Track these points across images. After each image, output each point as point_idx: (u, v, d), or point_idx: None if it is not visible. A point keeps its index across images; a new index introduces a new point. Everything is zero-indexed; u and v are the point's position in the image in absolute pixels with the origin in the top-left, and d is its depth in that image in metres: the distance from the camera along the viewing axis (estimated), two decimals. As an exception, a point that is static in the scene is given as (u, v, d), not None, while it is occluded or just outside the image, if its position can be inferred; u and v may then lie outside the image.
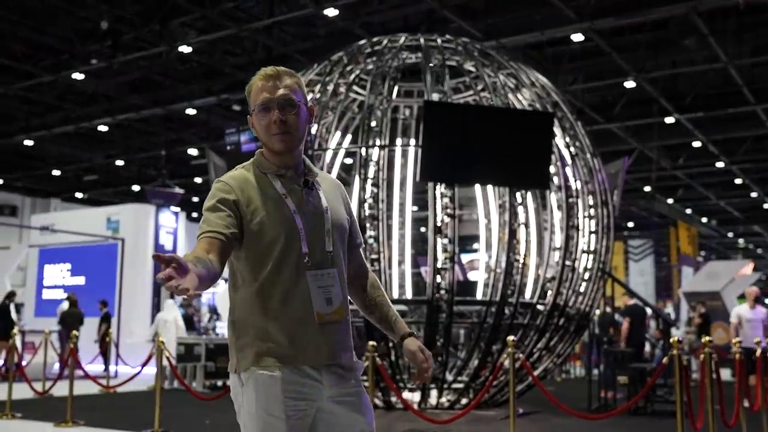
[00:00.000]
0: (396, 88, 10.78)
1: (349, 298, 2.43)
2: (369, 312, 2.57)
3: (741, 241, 39.96)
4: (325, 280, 2.30)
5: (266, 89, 2.33)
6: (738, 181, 24.81)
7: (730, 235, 37.38)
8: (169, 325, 13.58)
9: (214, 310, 18.30)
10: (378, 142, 9.58)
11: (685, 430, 5.62)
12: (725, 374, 10.10)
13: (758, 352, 8.65)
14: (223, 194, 2.30)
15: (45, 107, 19.43)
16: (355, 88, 10.53)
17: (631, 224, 32.68)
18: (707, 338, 6.17)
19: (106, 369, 14.44)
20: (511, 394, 6.28)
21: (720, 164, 22.43)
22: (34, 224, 22.12)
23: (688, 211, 30.47)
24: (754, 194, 26.88)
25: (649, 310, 13.43)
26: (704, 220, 32.62)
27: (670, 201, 28.04)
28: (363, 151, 9.51)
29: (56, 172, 25.59)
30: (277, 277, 2.28)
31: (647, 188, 25.08)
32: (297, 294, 2.28)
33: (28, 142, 21.29)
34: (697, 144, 20.60)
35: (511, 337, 6.51)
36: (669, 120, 18.20)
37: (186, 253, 2.07)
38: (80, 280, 19.99)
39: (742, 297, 18.97)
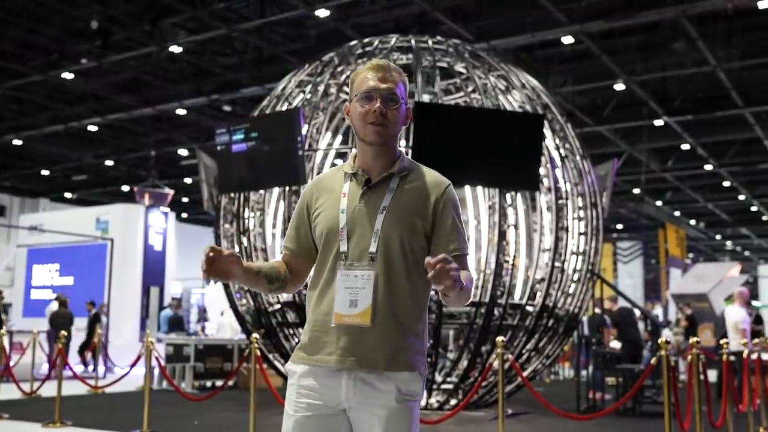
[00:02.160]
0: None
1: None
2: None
3: (729, 243, 40.17)
4: (355, 281, 2.23)
5: (373, 79, 2.32)
6: (726, 183, 24.96)
7: (718, 237, 37.59)
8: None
9: (203, 311, 18.26)
10: (368, 143, 9.58)
11: (673, 430, 5.65)
12: (712, 376, 10.17)
13: (745, 353, 8.71)
14: (301, 200, 2.45)
15: (34, 106, 19.37)
16: (345, 89, 10.52)
17: (620, 226, 32.81)
18: (695, 339, 6.20)
19: (95, 369, 14.38)
20: (500, 395, 6.30)
21: (708, 167, 22.57)
22: (23, 224, 22.03)
23: (677, 213, 30.63)
24: (741, 197, 27.05)
25: (637, 312, 13.48)
26: (692, 222, 32.80)
27: (658, 203, 28.18)
28: (353, 151, 9.52)
29: (45, 172, 25.51)
30: (319, 273, 2.33)
31: (636, 190, 25.19)
32: (330, 292, 2.27)
33: (17, 142, 21.22)
34: (685, 147, 20.73)
35: (500, 338, 6.52)
36: (658, 123, 18.30)
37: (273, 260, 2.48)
38: (69, 281, 19.91)
39: (728, 299, 19.07)
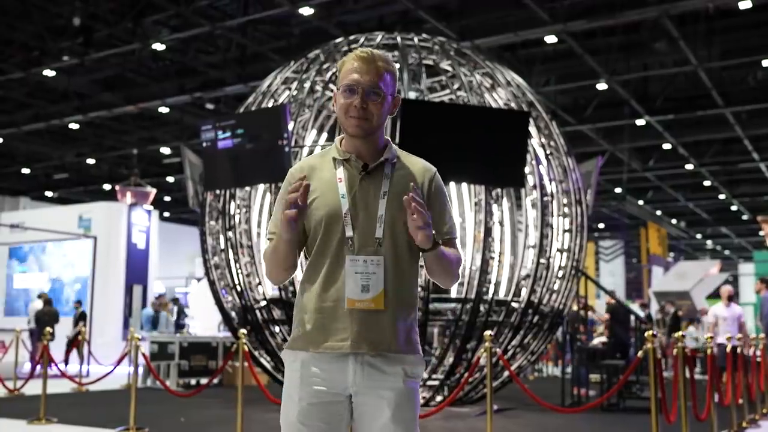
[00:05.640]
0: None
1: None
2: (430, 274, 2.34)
3: (709, 242, 40.51)
4: (366, 267, 2.23)
5: (357, 71, 2.29)
6: (707, 183, 25.18)
7: (699, 236, 37.90)
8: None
9: (181, 310, 18.10)
10: (354, 140, 9.58)
11: (660, 424, 5.71)
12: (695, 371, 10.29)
13: (728, 348, 8.81)
14: (287, 185, 2.34)
15: (15, 104, 19.20)
16: (331, 86, 10.53)
17: (602, 225, 33.02)
18: (680, 333, 6.27)
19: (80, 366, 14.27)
20: (488, 388, 6.34)
21: (689, 166, 22.76)
22: (4, 222, 21.83)
23: (658, 212, 30.86)
24: (722, 196, 27.29)
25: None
26: (674, 221, 33.06)
27: (640, 202, 28.39)
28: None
29: (26, 171, 25.29)
30: (320, 260, 2.29)
31: (618, 189, 25.36)
32: (336, 278, 2.25)
33: (-3, 140, 21.05)
34: (667, 146, 20.90)
35: (488, 332, 6.56)
36: (640, 122, 18.44)
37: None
38: (53, 279, 19.77)
39: (710, 297, 19.26)
